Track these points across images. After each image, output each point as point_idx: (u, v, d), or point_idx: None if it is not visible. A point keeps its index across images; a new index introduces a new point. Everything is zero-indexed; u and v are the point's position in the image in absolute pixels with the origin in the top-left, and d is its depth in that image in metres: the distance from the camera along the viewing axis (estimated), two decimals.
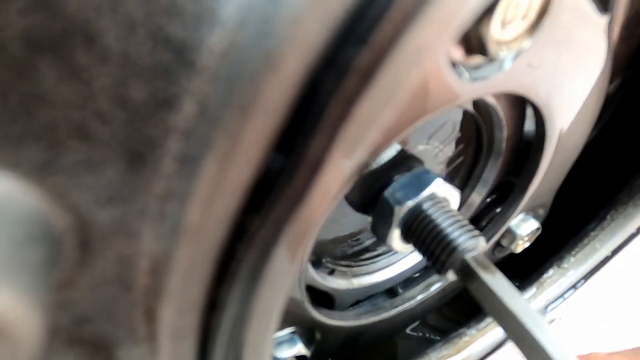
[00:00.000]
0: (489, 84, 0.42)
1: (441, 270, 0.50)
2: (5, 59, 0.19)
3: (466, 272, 0.48)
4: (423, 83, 0.38)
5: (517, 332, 0.44)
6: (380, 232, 0.53)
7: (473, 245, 0.49)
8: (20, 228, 0.21)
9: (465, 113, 0.55)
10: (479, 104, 0.53)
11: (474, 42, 0.38)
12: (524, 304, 0.45)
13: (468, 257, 0.49)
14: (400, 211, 0.50)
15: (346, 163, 0.23)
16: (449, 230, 0.50)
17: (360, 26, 0.20)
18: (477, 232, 0.50)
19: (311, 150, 0.22)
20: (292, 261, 0.27)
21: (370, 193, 0.54)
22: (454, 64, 0.39)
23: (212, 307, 0.27)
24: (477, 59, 0.40)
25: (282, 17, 0.19)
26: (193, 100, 0.22)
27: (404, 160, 0.54)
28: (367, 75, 0.21)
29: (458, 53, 0.39)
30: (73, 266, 0.25)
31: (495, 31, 0.38)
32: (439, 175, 0.52)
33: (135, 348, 0.30)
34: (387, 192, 0.52)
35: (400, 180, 0.52)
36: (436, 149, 0.58)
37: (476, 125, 0.57)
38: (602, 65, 0.49)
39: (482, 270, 0.47)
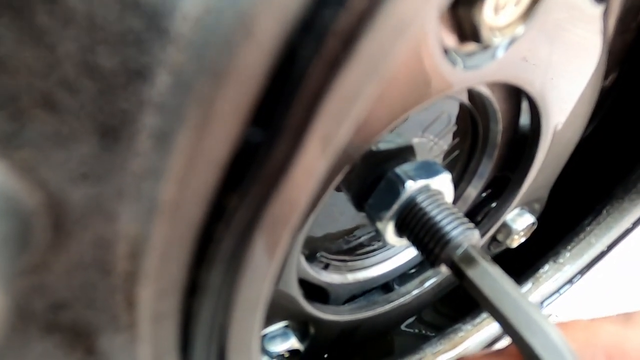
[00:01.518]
0: (482, 73, 0.41)
1: (434, 263, 0.49)
2: None
3: (459, 265, 0.47)
4: (415, 69, 0.37)
5: (512, 326, 0.43)
6: (378, 214, 0.51)
7: (467, 238, 0.48)
8: None
9: (461, 105, 0.54)
10: (474, 96, 0.52)
11: (467, 28, 0.37)
12: (518, 296, 0.44)
13: (461, 249, 0.48)
14: (411, 188, 0.50)
15: (330, 139, 0.22)
16: (442, 223, 0.49)
17: None
18: (471, 224, 0.49)
19: (290, 122, 0.20)
20: (274, 245, 0.25)
21: (365, 185, 0.53)
22: (446, 51, 0.38)
23: (192, 290, 0.26)
24: (470, 46, 0.39)
25: None
26: (167, 71, 0.20)
27: (399, 153, 0.53)
28: (347, 41, 0.19)
29: (451, 39, 0.38)
30: (47, 248, 0.24)
31: (488, 16, 0.37)
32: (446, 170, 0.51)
33: (117, 335, 0.29)
34: (399, 170, 0.51)
35: (406, 165, 0.52)
36: (431, 142, 0.57)
37: (472, 118, 0.56)
38: (598, 57, 0.48)
39: (475, 262, 0.46)
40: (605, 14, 0.46)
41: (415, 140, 0.55)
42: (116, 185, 0.23)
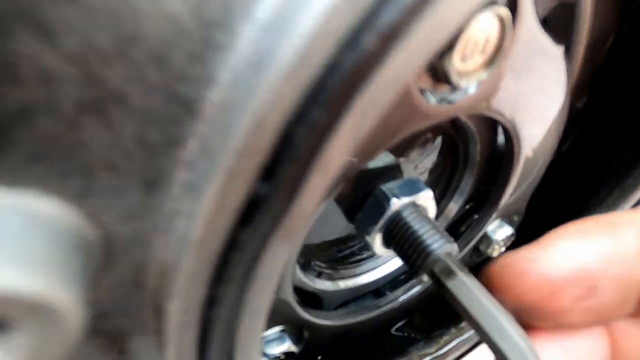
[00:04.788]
0: (456, 107, 0.49)
1: (417, 273, 0.56)
2: (59, 118, 0.26)
3: (438, 275, 0.54)
4: (393, 108, 0.45)
5: (484, 331, 0.51)
6: (366, 227, 0.59)
7: (445, 250, 0.55)
8: (67, 240, 0.29)
9: (443, 130, 0.61)
10: (454, 121, 0.59)
11: (439, 73, 0.44)
12: (490, 304, 0.52)
13: (440, 261, 0.55)
14: (396, 205, 0.57)
15: (317, 190, 0.30)
16: (424, 236, 0.56)
17: (322, 94, 0.27)
18: (450, 238, 0.56)
19: (287, 180, 0.29)
20: (275, 268, 0.34)
21: (356, 200, 0.60)
22: (422, 91, 0.46)
23: (210, 305, 0.35)
24: (444, 87, 0.47)
25: (264, 86, 0.26)
26: (196, 139, 0.29)
27: (387, 171, 0.60)
28: (327, 132, 0.28)
29: (427, 81, 0.46)
30: (98, 270, 0.32)
31: (456, 64, 0.44)
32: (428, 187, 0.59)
33: (145, 339, 0.37)
34: (385, 187, 0.58)
35: (391, 183, 0.59)
36: (416, 161, 0.64)
37: (452, 140, 0.63)
38: (563, 89, 0.56)
39: (453, 273, 0.54)
40: (570, 47, 0.54)
41: (401, 160, 0.62)
42: (153, 222, 0.32)
